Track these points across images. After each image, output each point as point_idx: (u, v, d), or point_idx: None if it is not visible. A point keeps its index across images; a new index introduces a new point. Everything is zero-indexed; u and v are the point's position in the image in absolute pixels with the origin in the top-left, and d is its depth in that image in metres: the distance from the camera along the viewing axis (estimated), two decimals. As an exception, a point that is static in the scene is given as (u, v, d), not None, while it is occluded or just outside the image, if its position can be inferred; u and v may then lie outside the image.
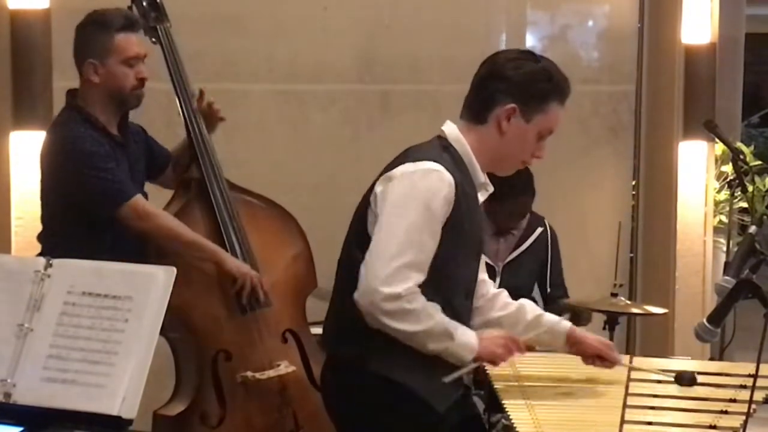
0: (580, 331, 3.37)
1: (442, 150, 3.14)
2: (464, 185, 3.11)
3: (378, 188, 3.11)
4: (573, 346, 3.32)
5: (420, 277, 3.02)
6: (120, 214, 3.91)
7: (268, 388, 4.11)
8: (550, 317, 3.40)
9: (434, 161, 3.07)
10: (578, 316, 4.99)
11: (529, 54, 3.24)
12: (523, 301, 3.43)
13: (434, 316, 3.04)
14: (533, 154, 3.21)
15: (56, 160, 3.99)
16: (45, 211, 4.11)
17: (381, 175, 3.14)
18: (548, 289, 5.10)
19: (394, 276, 2.99)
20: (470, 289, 3.29)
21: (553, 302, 5.06)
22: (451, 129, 3.20)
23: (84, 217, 3.93)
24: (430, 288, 3.09)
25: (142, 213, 3.94)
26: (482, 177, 3.18)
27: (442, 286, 3.13)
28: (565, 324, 3.37)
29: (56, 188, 4.03)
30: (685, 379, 3.19)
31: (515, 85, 3.13)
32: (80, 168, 3.89)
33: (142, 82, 4.01)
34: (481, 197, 3.22)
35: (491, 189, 3.26)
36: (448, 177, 3.05)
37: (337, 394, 3.26)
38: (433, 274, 3.08)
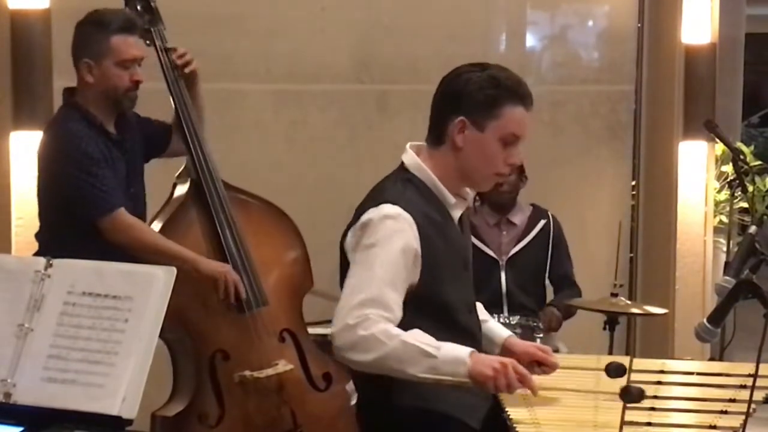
0: (517, 341, 3.35)
1: (403, 185, 3.13)
2: (430, 214, 3.10)
3: (348, 238, 3.11)
4: (508, 355, 3.25)
5: (380, 311, 2.95)
6: (99, 225, 3.92)
7: (266, 386, 4.11)
8: (493, 325, 3.39)
9: (393, 202, 3.05)
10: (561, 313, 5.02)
11: (477, 65, 3.17)
12: (476, 304, 3.41)
13: (396, 336, 2.93)
14: (506, 162, 3.14)
15: (51, 156, 4.01)
16: (39, 208, 4.13)
17: (352, 219, 3.13)
18: (546, 282, 5.11)
19: (343, 314, 2.96)
20: (471, 303, 3.29)
21: (561, 296, 5.07)
22: (410, 157, 3.18)
23: (73, 218, 3.94)
24: (430, 317, 3.08)
25: (120, 226, 3.94)
26: (452, 199, 3.15)
27: (441, 312, 3.13)
28: (503, 333, 3.36)
29: (48, 185, 4.06)
30: (612, 370, 3.17)
31: (459, 98, 3.09)
32: (71, 168, 3.91)
33: (136, 84, 4.01)
34: (458, 213, 3.20)
35: (470, 196, 3.26)
36: (406, 217, 3.03)
37: (372, 424, 3.24)
38: (429, 305, 3.09)
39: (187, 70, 4.21)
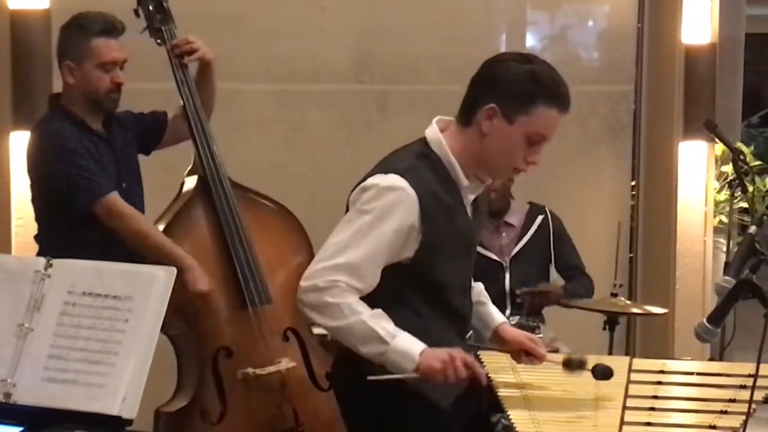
0: (509, 328, 3.37)
1: (418, 158, 3.11)
2: (439, 193, 3.08)
3: (350, 197, 3.12)
4: (498, 341, 3.31)
5: (352, 281, 2.98)
6: (93, 211, 3.93)
7: (269, 384, 4.12)
8: (490, 309, 3.41)
9: (402, 175, 3.04)
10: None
11: (523, 56, 3.15)
12: (476, 284, 3.40)
13: (359, 314, 2.97)
14: (526, 160, 3.11)
15: (36, 156, 4.04)
16: (34, 210, 4.15)
17: (361, 180, 3.13)
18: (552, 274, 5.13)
19: (317, 272, 3.00)
20: (466, 286, 3.28)
21: (574, 284, 5.08)
22: (432, 132, 3.16)
23: (63, 217, 3.95)
24: (424, 294, 3.10)
25: (114, 211, 3.95)
26: (465, 181, 3.13)
27: (435, 291, 3.13)
28: (498, 319, 3.39)
29: (37, 184, 4.08)
30: (598, 372, 3.17)
31: (497, 86, 3.06)
32: (56, 163, 3.93)
33: (118, 86, 4.03)
34: (471, 196, 3.19)
35: (489, 181, 3.23)
36: (410, 193, 3.01)
37: (345, 397, 3.27)
38: (422, 281, 3.09)
39: (192, 58, 4.20)
